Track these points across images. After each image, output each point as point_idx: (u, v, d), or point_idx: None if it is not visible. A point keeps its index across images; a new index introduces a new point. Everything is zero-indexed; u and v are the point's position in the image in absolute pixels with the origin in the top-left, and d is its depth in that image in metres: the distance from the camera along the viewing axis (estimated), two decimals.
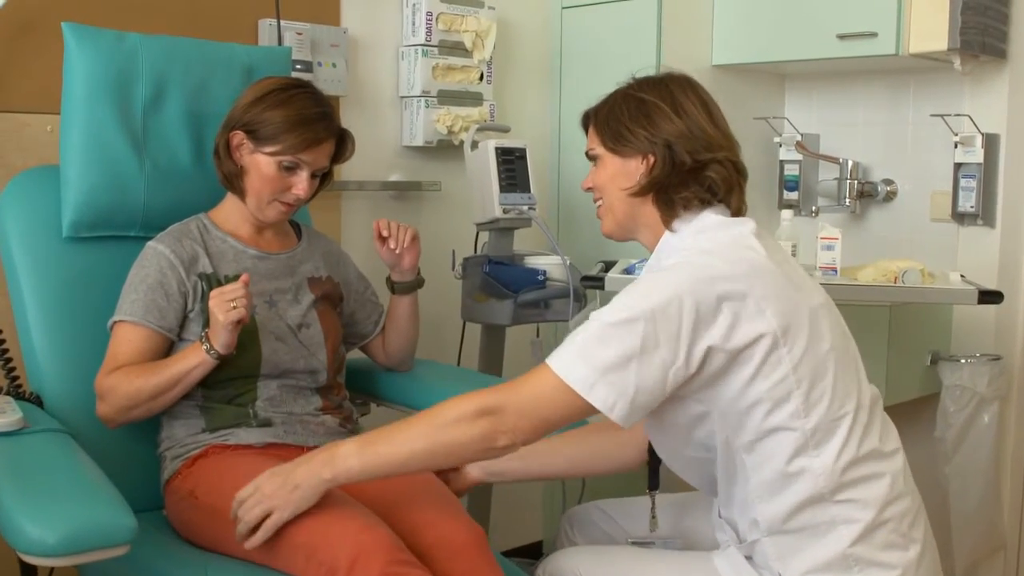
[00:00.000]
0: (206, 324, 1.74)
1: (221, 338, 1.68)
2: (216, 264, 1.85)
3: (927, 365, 2.77)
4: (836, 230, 2.41)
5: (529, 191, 2.47)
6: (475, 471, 1.83)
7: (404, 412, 2.07)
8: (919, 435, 2.75)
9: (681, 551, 1.70)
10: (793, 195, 3.12)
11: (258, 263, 1.89)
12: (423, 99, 2.66)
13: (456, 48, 2.72)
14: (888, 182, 3.04)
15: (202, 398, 1.79)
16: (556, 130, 3.04)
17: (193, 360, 1.71)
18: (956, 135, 2.80)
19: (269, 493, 1.49)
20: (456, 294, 2.54)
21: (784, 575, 1.48)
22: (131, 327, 1.77)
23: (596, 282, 2.36)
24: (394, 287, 2.07)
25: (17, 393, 1.84)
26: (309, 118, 1.82)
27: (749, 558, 1.53)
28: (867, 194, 3.04)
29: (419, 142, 2.69)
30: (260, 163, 1.82)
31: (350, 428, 1.90)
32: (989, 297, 2.25)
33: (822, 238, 2.40)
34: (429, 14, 2.65)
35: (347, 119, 2.38)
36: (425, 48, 2.65)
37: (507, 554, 2.42)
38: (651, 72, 1.63)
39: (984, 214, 2.80)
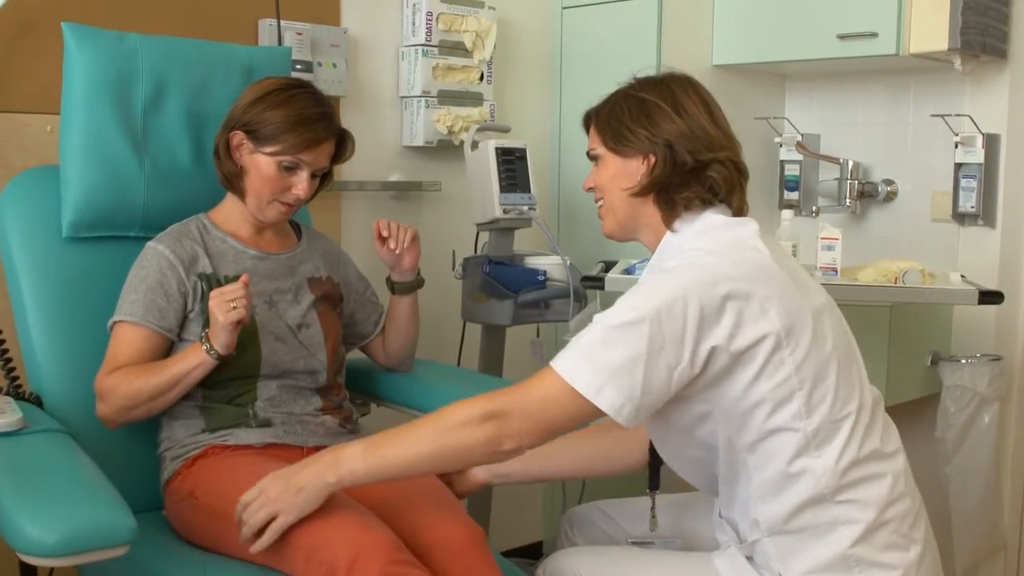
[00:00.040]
0: (206, 324, 1.74)
1: (221, 338, 1.68)
2: (216, 264, 1.84)
3: (927, 365, 2.76)
4: (836, 230, 2.40)
5: (529, 191, 2.46)
6: (481, 473, 1.83)
7: (404, 412, 2.07)
8: (920, 435, 2.74)
9: (681, 551, 1.69)
10: (793, 195, 3.11)
11: (258, 263, 1.88)
12: (423, 99, 2.66)
13: (456, 48, 2.72)
14: (888, 182, 3.04)
15: (202, 398, 1.79)
16: (556, 130, 3.04)
17: (193, 360, 1.71)
18: (956, 135, 2.80)
19: (274, 496, 1.49)
20: (456, 294, 2.54)
21: (785, 575, 1.48)
22: (131, 327, 1.77)
23: (596, 282, 2.36)
24: (394, 287, 2.07)
25: (17, 393, 1.83)
26: (309, 118, 1.81)
27: (750, 558, 1.53)
28: (867, 194, 3.04)
29: (419, 142, 2.69)
30: (260, 163, 1.82)
31: (350, 428, 1.90)
32: (989, 297, 2.25)
33: (822, 238, 2.40)
34: (429, 14, 2.64)
35: (347, 119, 2.38)
36: (425, 48, 2.65)
37: (507, 554, 2.42)
38: (652, 72, 1.63)
39: (984, 214, 2.80)
